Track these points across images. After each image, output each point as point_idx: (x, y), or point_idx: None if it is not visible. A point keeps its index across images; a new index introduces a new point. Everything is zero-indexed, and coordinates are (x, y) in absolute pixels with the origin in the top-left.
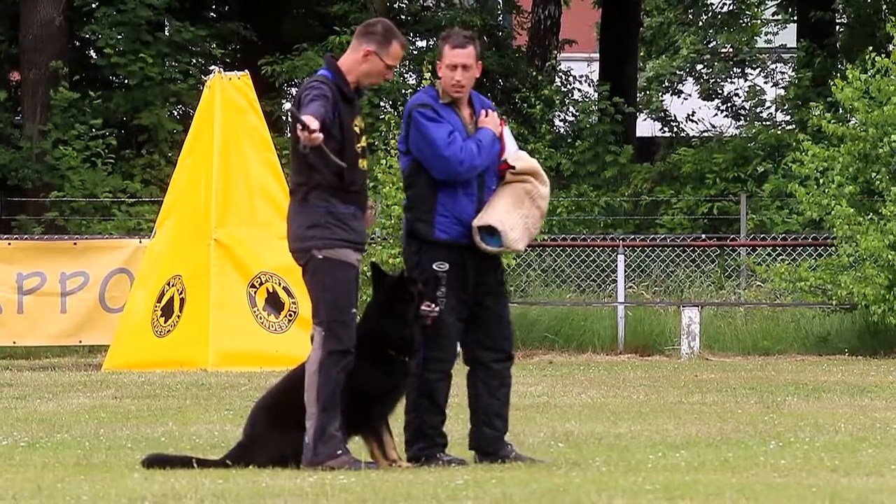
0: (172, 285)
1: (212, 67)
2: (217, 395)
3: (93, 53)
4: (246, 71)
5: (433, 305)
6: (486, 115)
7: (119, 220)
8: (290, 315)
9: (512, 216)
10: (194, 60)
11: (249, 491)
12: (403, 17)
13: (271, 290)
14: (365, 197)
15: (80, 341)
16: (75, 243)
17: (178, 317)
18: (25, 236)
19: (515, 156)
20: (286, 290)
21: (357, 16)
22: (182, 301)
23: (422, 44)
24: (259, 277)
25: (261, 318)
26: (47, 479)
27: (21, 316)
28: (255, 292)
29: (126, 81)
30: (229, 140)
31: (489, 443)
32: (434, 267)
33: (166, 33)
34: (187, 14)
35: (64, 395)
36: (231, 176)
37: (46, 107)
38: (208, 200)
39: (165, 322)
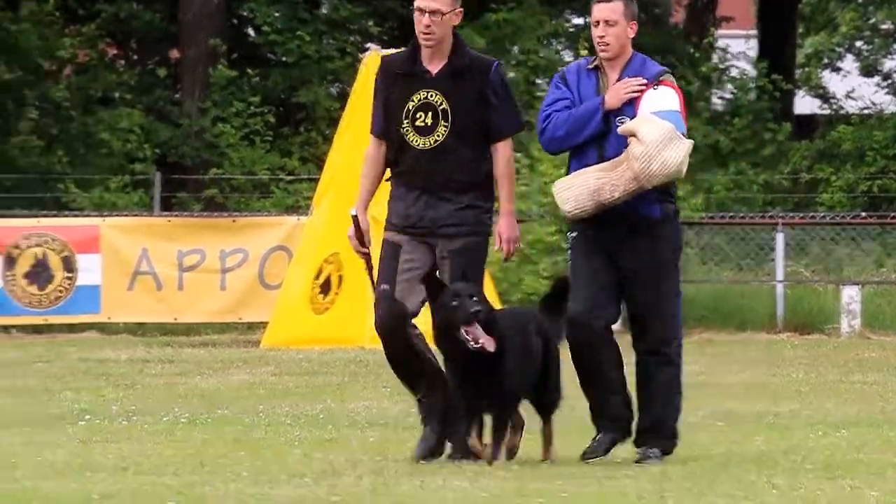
0: (330, 262)
1: (368, 45)
2: (375, 372)
3: (251, 31)
4: (403, 48)
5: (479, 339)
6: (619, 83)
7: (277, 198)
8: None
9: (574, 179)
10: (351, 38)
11: (408, 468)
12: None
13: None
14: (425, 176)
15: (240, 318)
16: (234, 220)
17: (336, 294)
18: (185, 213)
19: (635, 120)
20: None
21: None
22: (340, 278)
23: (579, 21)
24: None
25: None
26: (208, 454)
27: (181, 293)
28: None
29: (284, 59)
30: None
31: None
32: (568, 235)
33: (324, 11)
34: None
35: (224, 371)
36: None
37: (205, 84)
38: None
39: (324, 299)
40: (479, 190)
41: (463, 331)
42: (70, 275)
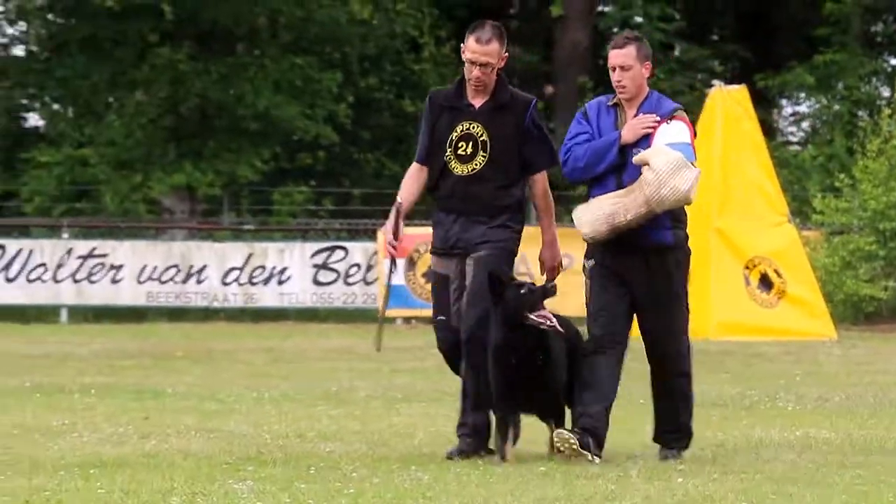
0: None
1: (714, 81)
2: (718, 360)
3: None
4: (743, 85)
5: (547, 318)
6: (635, 119)
7: None
8: (780, 293)
9: (594, 203)
10: (699, 76)
11: (745, 443)
12: (879, 39)
13: (763, 272)
14: (462, 201)
15: None
16: None
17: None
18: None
19: (647, 150)
20: (776, 271)
21: (840, 38)
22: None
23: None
24: (753, 261)
25: (754, 295)
26: None
27: None
28: (750, 273)
29: None
30: (729, 144)
31: None
32: (584, 263)
33: (676, 53)
34: (695, 37)
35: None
36: (730, 174)
37: None
38: (708, 196)
39: None
40: (511, 213)
41: (534, 316)
42: None
